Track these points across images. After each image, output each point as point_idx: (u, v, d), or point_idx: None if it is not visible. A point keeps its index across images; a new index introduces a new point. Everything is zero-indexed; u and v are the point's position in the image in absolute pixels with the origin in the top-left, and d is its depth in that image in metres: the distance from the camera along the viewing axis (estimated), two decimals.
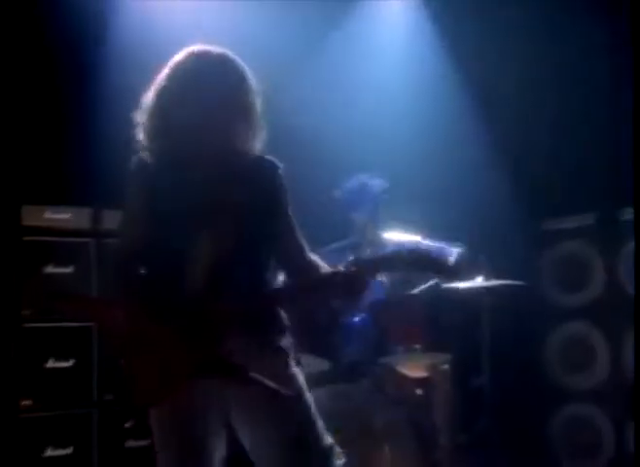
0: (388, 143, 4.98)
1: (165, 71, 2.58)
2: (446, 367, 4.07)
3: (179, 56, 2.57)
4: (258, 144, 2.54)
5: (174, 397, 2.38)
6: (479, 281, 3.97)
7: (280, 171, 2.52)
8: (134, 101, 3.94)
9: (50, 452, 4.65)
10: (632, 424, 4.56)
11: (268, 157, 2.55)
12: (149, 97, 2.54)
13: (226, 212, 2.38)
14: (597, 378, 4.88)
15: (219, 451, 2.55)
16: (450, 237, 4.59)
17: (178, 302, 2.38)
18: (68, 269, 4.95)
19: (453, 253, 2.44)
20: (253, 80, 2.57)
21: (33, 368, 4.72)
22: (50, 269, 4.89)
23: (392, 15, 5.73)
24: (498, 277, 3.96)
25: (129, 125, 4.55)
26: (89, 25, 5.13)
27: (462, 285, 3.82)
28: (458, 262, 2.33)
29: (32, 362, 4.73)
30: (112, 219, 5.00)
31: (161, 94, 2.52)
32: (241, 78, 2.55)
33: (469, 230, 4.77)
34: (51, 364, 4.82)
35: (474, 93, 5.36)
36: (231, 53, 2.56)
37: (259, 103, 2.56)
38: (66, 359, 4.87)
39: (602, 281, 4.87)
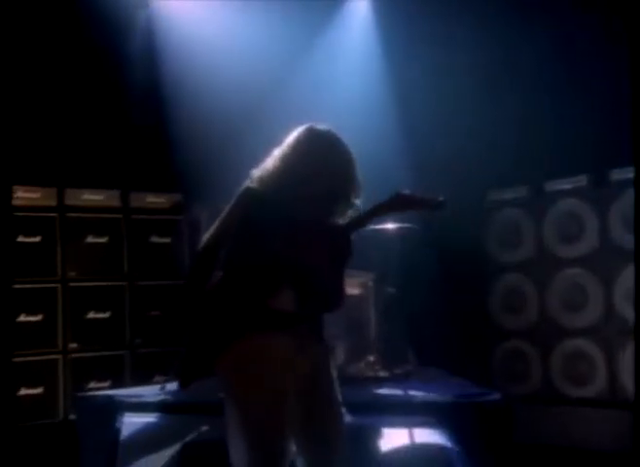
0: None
1: (291, 143, 2.96)
2: (372, 283, 5.08)
3: (304, 132, 2.97)
4: (348, 207, 2.96)
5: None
6: (391, 224, 4.89)
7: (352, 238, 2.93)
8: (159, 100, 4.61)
9: (92, 385, 5.48)
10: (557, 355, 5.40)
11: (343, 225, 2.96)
12: (275, 158, 2.95)
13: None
14: (528, 320, 5.58)
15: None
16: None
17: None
18: (103, 240, 5.71)
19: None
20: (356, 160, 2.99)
21: (77, 318, 5.56)
22: (89, 240, 5.65)
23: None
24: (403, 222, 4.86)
25: (154, 120, 5.19)
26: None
27: (379, 226, 4.74)
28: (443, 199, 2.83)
29: (76, 314, 5.56)
30: (137, 199, 5.88)
31: (286, 158, 2.93)
32: (351, 158, 2.97)
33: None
34: (91, 315, 5.62)
35: (458, 58, 5.79)
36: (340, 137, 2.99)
37: (359, 181, 2.96)
38: (104, 311, 5.67)
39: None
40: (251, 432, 2.74)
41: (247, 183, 2.95)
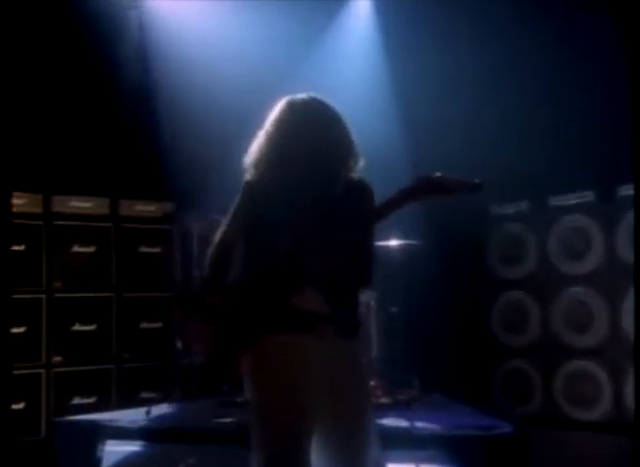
0: None
1: (272, 120, 2.84)
2: (374, 303, 5.01)
3: (283, 107, 2.85)
4: (351, 168, 2.81)
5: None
6: (394, 241, 4.84)
7: (368, 190, 2.74)
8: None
9: (77, 401, 5.33)
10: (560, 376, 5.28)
11: (358, 178, 2.79)
12: (261, 140, 2.85)
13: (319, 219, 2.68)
14: (530, 338, 5.48)
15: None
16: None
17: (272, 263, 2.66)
18: (91, 249, 5.59)
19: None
20: (343, 118, 2.85)
21: (62, 331, 5.42)
22: (76, 249, 5.53)
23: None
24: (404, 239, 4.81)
25: (145, 126, 5.11)
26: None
27: (381, 243, 4.65)
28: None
29: (61, 326, 5.42)
30: (127, 207, 5.78)
31: (271, 138, 2.82)
32: (333, 120, 2.83)
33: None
34: (77, 327, 5.49)
35: (463, 72, 5.72)
36: (323, 99, 2.88)
37: (350, 137, 2.83)
38: (90, 323, 5.54)
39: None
40: (267, 438, 2.62)
41: (246, 176, 2.86)
